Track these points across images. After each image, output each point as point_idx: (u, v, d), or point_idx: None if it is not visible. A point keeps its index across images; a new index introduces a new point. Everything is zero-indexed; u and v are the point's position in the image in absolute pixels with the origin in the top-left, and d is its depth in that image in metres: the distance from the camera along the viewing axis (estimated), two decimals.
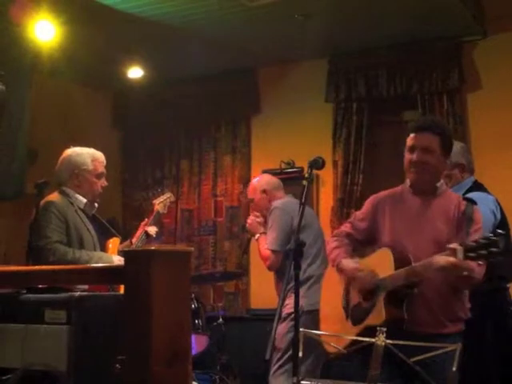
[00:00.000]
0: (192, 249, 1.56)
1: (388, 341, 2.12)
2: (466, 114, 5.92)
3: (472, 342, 2.97)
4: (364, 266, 2.94)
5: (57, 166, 3.76)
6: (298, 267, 2.62)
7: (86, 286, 2.83)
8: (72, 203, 3.63)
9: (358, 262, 3.00)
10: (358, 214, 3.22)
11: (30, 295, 2.38)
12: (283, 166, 6.51)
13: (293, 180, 5.95)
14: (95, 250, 3.65)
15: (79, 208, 3.67)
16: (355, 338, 2.25)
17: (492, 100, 5.77)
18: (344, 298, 3.08)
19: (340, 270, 3.04)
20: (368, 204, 3.17)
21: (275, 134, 6.71)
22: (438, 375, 2.46)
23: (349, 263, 3.00)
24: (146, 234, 3.99)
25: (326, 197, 6.41)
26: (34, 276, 1.61)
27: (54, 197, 3.64)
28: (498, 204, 3.65)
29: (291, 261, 2.62)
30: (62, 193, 3.67)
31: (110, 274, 1.56)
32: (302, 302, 3.25)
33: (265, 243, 4.31)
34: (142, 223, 4.09)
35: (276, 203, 4.38)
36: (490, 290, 3.54)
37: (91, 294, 2.57)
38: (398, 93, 6.11)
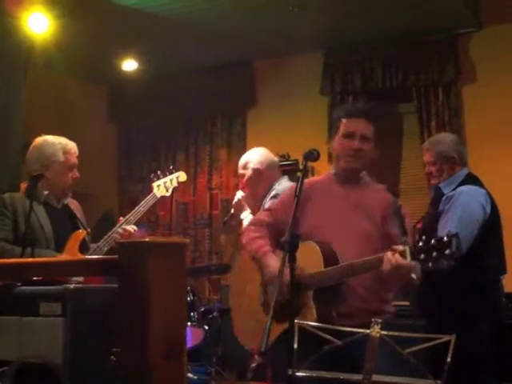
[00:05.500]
0: (187, 240, 1.55)
1: (383, 332, 2.12)
2: (461, 106, 5.92)
3: (467, 335, 2.97)
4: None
5: (27, 155, 3.52)
6: (293, 259, 2.61)
7: (80, 279, 2.82)
8: (33, 197, 3.30)
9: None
10: (277, 202, 3.08)
11: (25, 288, 2.38)
12: (278, 158, 6.50)
13: (288, 172, 5.94)
14: (47, 245, 3.36)
15: (42, 201, 3.43)
16: (350, 329, 2.24)
17: (487, 92, 5.77)
18: (262, 293, 2.94)
19: (263, 265, 2.86)
20: (289, 192, 2.98)
21: (270, 127, 6.70)
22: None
23: (274, 261, 2.81)
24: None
25: None
26: (28, 268, 1.61)
27: (12, 193, 3.50)
28: (490, 198, 3.58)
29: (286, 253, 2.59)
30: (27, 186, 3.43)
31: (104, 266, 1.56)
32: None
33: None
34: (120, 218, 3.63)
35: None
36: (483, 283, 3.54)
37: (86, 286, 2.57)
38: (394, 85, 6.11)
